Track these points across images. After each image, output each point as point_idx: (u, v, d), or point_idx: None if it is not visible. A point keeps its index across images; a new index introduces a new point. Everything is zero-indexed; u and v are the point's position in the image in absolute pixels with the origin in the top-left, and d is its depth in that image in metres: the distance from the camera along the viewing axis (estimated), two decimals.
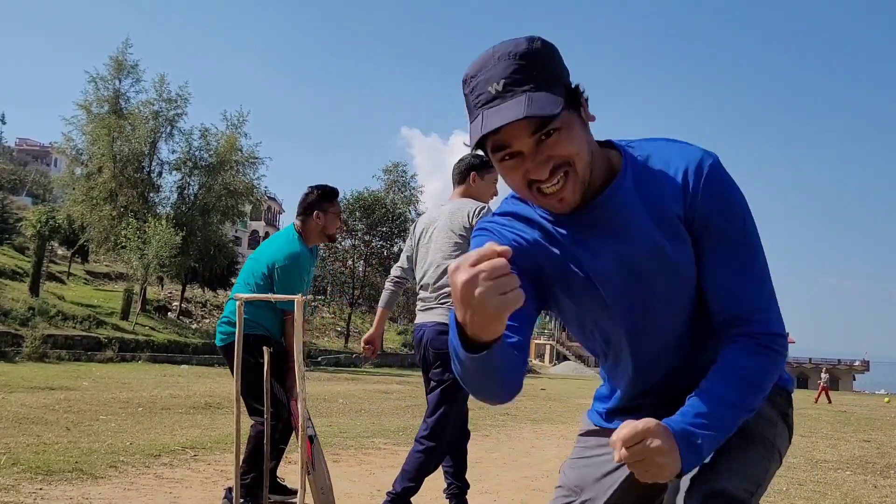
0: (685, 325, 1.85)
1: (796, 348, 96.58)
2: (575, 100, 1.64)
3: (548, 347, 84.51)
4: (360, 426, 10.73)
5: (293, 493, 5.31)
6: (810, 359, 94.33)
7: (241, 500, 4.86)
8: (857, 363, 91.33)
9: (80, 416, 9.73)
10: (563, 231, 1.80)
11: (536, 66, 1.59)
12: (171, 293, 45.22)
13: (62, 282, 39.73)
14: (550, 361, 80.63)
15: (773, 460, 1.88)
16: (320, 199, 5.18)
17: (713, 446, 1.65)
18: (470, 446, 5.10)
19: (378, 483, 6.14)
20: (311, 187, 5.25)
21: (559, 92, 1.59)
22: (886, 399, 42.98)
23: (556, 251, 1.81)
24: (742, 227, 1.73)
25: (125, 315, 33.91)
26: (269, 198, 78.79)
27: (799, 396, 30.77)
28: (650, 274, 1.77)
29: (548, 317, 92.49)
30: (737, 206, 1.73)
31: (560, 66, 1.64)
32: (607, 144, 1.81)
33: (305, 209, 5.18)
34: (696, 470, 1.71)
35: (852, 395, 59.86)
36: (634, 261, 1.76)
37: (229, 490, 4.99)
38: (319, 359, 43.01)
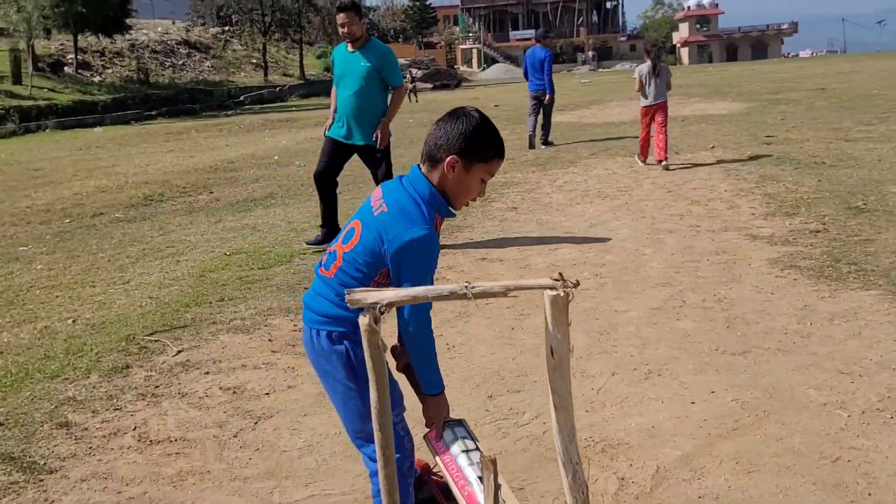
0: None
1: (725, 19, 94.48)
2: None
3: (474, 51, 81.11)
4: None
5: None
6: (739, 27, 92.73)
7: None
8: (784, 26, 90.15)
9: None
10: None
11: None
12: (63, 46, 40.24)
13: None
14: (479, 66, 77.55)
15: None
16: None
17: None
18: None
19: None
20: None
21: None
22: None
23: None
24: None
25: (17, 79, 30.03)
26: None
27: (731, 72, 29.07)
28: None
29: (471, 18, 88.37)
30: None
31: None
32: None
33: None
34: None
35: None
36: None
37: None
38: (242, 98, 39.84)
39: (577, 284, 1.20)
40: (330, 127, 6.78)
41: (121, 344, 4.62)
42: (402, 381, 2.49)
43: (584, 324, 4.56)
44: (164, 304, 5.43)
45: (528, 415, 3.47)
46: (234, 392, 3.87)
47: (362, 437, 2.32)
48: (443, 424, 2.25)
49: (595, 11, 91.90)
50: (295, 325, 4.80)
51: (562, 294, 1.16)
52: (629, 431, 3.24)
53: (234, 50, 52.29)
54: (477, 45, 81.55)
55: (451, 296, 1.20)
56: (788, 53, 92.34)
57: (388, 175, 6.65)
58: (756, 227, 6.67)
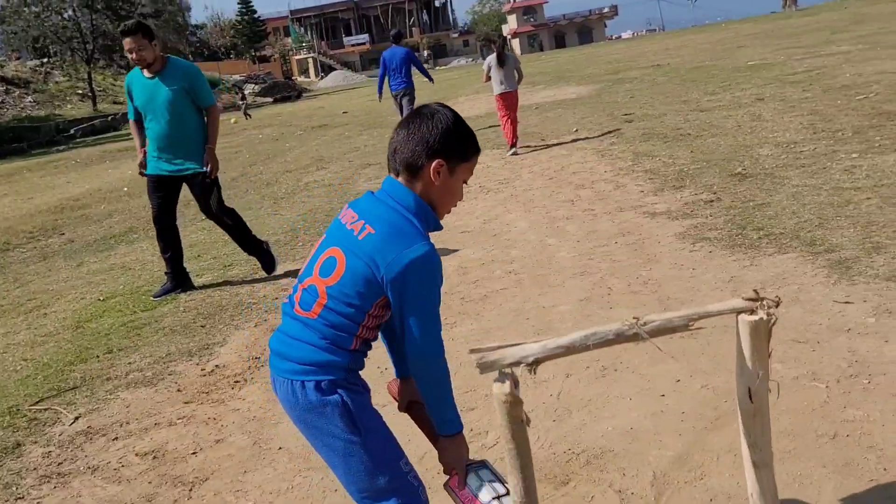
0: None
1: (550, 7, 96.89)
2: None
3: (310, 61, 79.92)
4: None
5: None
6: (563, 15, 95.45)
7: None
8: (606, 10, 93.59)
9: None
10: None
11: None
12: None
13: None
14: (317, 75, 76.47)
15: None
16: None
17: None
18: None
19: None
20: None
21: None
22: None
23: None
24: None
25: None
26: None
27: (565, 58, 30.21)
28: None
29: (303, 28, 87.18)
30: None
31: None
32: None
33: None
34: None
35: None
36: None
37: None
38: (72, 131, 37.64)
39: (778, 303, 0.93)
40: (146, 164, 5.98)
41: (4, 419, 4.02)
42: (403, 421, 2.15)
43: (515, 325, 4.33)
44: (43, 365, 4.81)
45: (493, 434, 3.19)
46: (155, 457, 3.40)
47: (370, 496, 1.95)
48: (465, 469, 1.94)
49: (425, 10, 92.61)
50: (203, 370, 4.34)
51: (763, 318, 0.89)
52: (608, 437, 3.01)
53: (57, 82, 49.32)
54: (312, 55, 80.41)
55: (619, 339, 0.90)
56: (612, 36, 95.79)
57: (221, 201, 6.10)
58: (650, 203, 6.64)
